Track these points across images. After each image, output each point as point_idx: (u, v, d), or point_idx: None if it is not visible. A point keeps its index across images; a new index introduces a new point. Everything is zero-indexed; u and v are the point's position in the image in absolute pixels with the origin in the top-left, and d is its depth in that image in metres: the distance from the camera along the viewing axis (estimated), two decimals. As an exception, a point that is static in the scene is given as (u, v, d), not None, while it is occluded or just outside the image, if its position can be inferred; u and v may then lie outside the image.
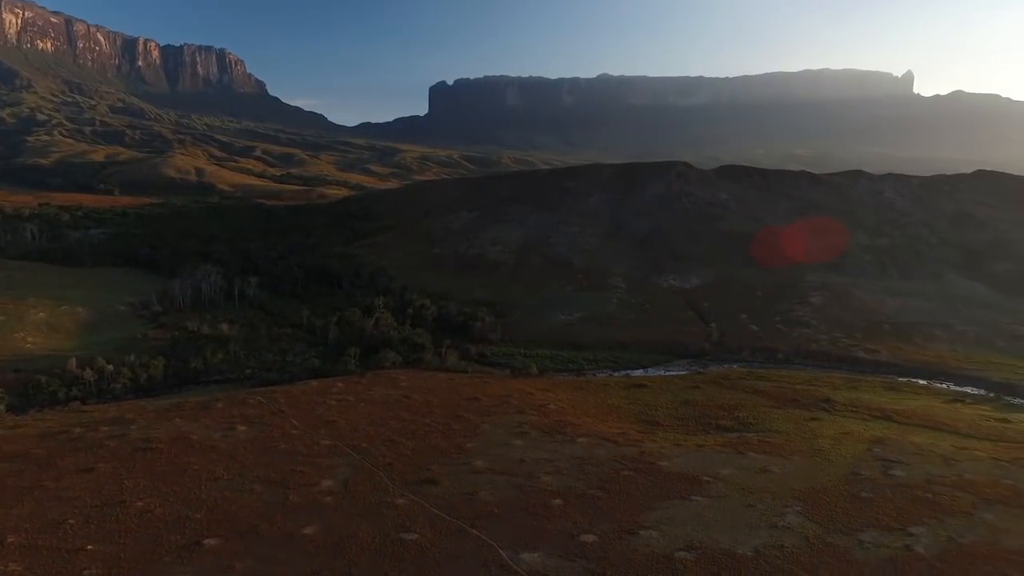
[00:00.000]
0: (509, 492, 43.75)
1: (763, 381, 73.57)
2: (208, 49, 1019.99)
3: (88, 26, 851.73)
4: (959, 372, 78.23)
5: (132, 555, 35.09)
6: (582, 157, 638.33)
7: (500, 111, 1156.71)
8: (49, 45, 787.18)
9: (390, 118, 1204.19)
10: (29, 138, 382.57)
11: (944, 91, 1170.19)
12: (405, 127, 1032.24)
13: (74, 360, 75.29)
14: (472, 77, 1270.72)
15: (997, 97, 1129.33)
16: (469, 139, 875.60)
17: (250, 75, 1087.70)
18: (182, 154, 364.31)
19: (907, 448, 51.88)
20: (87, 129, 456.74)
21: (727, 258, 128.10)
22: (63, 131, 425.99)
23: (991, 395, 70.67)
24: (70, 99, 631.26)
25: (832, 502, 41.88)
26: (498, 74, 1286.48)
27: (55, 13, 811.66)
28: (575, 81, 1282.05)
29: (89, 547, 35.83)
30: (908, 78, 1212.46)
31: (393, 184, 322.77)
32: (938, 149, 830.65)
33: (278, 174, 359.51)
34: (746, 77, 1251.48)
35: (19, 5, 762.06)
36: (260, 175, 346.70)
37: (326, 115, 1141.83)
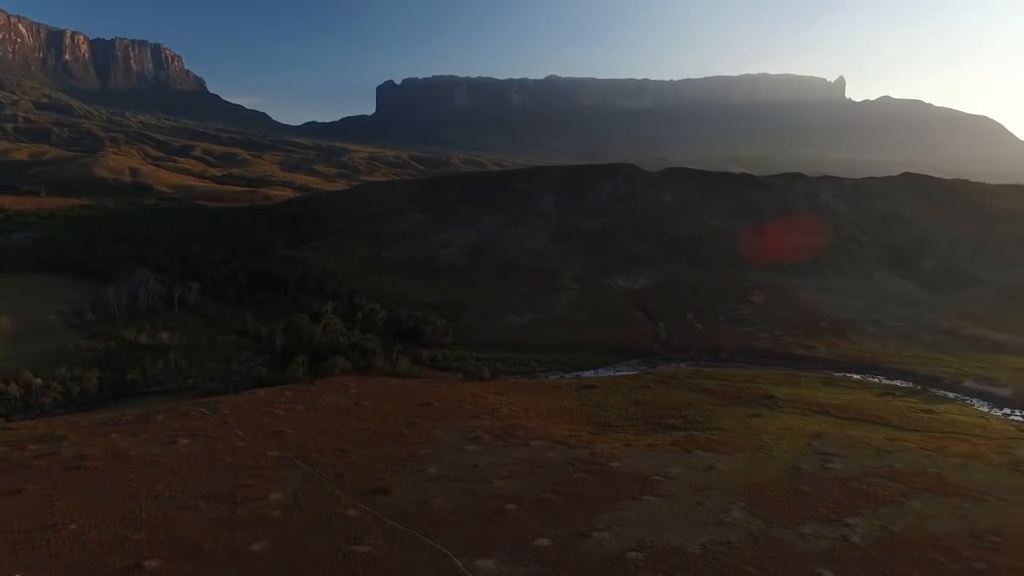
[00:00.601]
0: (463, 499, 43.68)
1: (709, 380, 75.71)
2: (142, 43, 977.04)
3: (8, 16, 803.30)
4: (889, 366, 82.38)
5: (66, 582, 33.41)
6: (531, 158, 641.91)
7: (449, 111, 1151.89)
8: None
9: (336, 117, 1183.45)
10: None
11: (873, 96, 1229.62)
12: (352, 127, 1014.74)
13: (-2, 374, 71.03)
14: (421, 77, 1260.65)
15: (920, 102, 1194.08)
16: (418, 139, 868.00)
17: (188, 71, 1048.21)
18: (115, 153, 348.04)
19: (843, 441, 54.36)
20: (8, 126, 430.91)
21: (673, 259, 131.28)
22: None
23: (918, 388, 74.69)
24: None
25: (775, 497, 43.51)
26: (447, 74, 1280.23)
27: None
28: (524, 82, 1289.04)
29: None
30: (840, 84, 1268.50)
31: (340, 185, 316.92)
32: (867, 151, 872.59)
33: (219, 175, 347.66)
34: (689, 80, 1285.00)
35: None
36: (200, 176, 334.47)
37: (269, 114, 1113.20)
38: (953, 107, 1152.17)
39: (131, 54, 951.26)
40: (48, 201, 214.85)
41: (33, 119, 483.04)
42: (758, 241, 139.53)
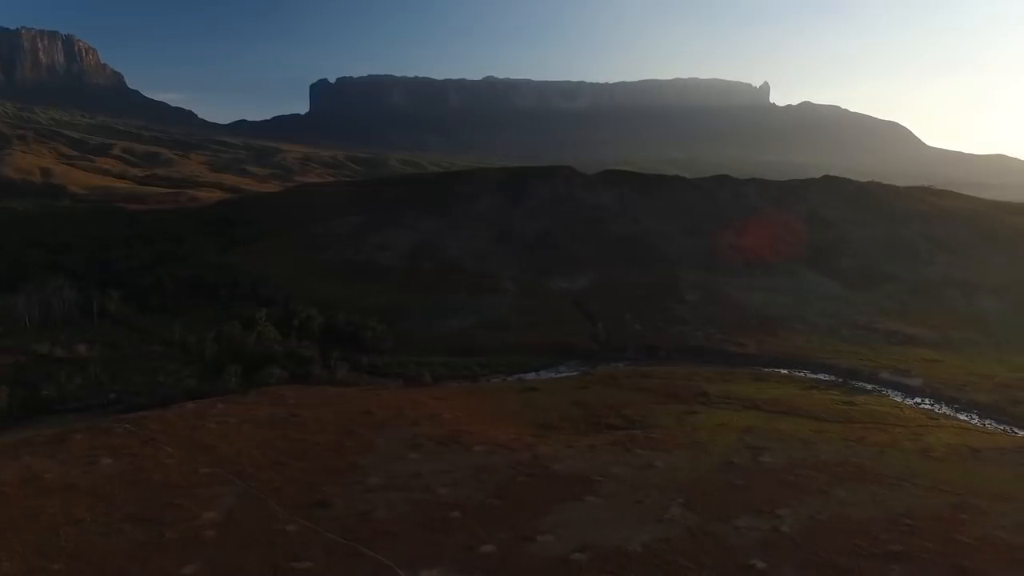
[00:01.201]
0: (406, 508, 43.15)
1: (647, 378, 77.73)
2: (52, 34, 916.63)
3: None
4: (813, 361, 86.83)
5: (-25, 620, 31.00)
6: (470, 158, 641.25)
7: (386, 111, 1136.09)
8: None
9: (268, 116, 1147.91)
10: None
11: (795, 101, 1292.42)
12: (285, 126, 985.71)
13: None
14: (356, 76, 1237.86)
15: (838, 108, 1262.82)
16: (354, 139, 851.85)
17: (105, 65, 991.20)
18: (23, 152, 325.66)
19: (773, 435, 56.90)
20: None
21: (611, 260, 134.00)
22: None
23: (840, 380, 79.07)
24: None
25: (710, 492, 45.06)
26: (383, 73, 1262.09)
27: None
28: (461, 82, 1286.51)
29: (-81, 617, 31.23)
30: (765, 89, 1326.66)
31: (273, 186, 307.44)
32: (790, 153, 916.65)
33: (142, 175, 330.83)
34: (624, 83, 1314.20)
35: None
36: (120, 176, 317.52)
37: (195, 111, 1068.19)
38: (867, 113, 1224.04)
39: (40, 45, 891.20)
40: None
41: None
42: (691, 241, 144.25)
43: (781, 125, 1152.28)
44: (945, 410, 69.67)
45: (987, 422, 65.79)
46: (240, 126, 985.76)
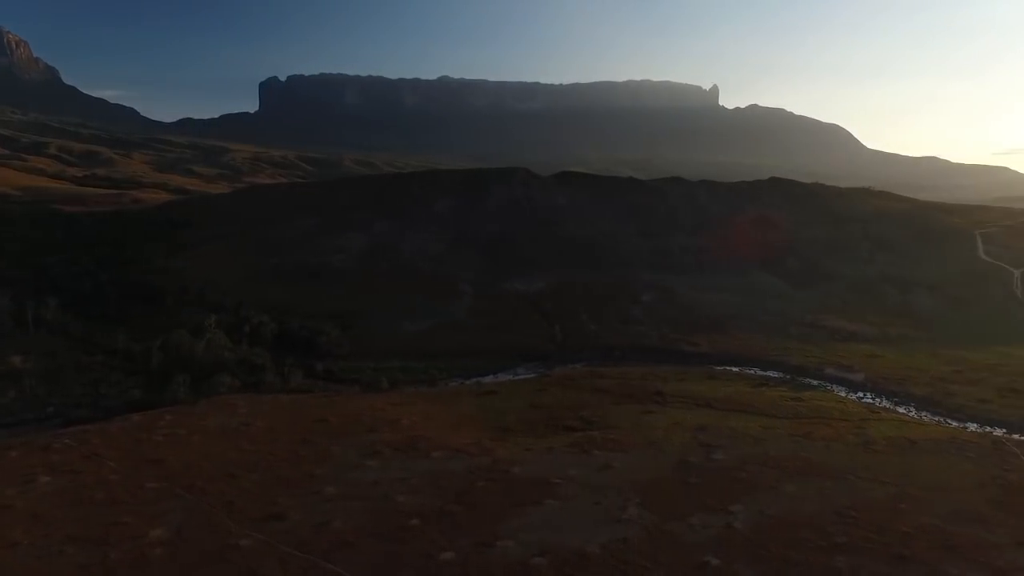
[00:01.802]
0: (364, 517, 42.59)
1: (603, 379, 78.67)
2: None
3: None
4: (763, 358, 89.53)
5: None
6: (425, 159, 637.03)
7: (339, 110, 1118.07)
8: None
9: (216, 114, 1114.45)
10: None
11: (743, 104, 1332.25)
12: (233, 125, 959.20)
13: None
14: (308, 74, 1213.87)
15: (783, 111, 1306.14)
16: (306, 139, 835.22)
17: (37, 59, 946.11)
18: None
19: (725, 432, 58.43)
20: None
21: (567, 262, 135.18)
22: None
23: (788, 377, 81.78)
24: None
25: (666, 490, 45.99)
26: (335, 72, 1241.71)
27: None
28: (416, 82, 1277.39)
29: None
30: (714, 92, 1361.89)
31: (222, 187, 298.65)
32: (737, 155, 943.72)
33: (80, 175, 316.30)
34: (578, 85, 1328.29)
35: None
36: (57, 176, 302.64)
37: (138, 108, 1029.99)
38: (812, 116, 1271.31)
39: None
40: None
41: None
42: (645, 242, 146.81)
43: (730, 127, 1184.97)
44: (885, 403, 72.87)
45: (923, 414, 69.12)
46: (186, 124, 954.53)
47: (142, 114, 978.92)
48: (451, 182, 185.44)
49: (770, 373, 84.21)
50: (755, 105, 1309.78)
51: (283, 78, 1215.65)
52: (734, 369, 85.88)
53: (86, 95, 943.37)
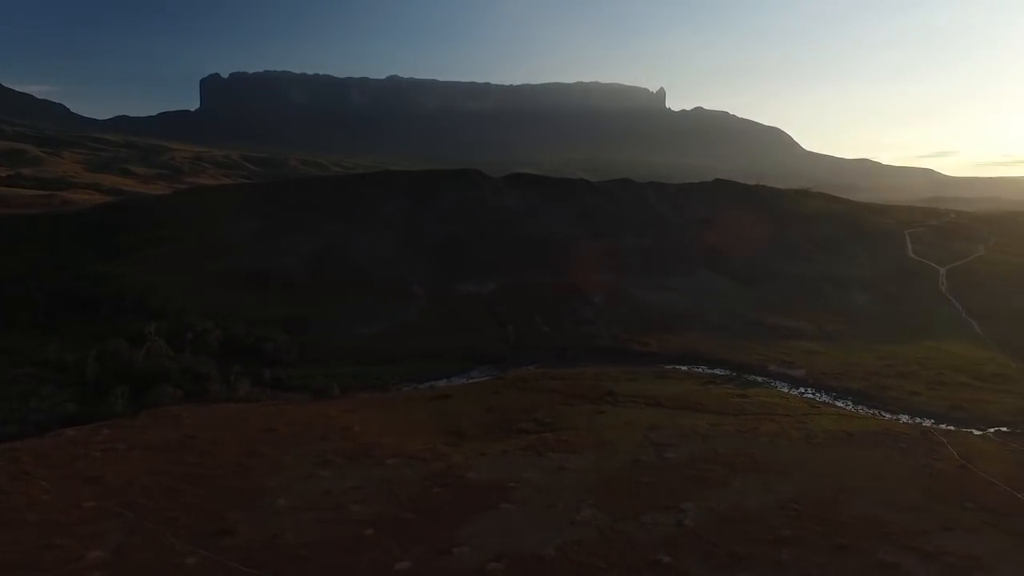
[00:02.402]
0: (316, 529, 41.81)
1: (556, 380, 79.41)
2: None
3: None
4: (710, 356, 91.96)
5: None
6: (375, 159, 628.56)
7: (284, 109, 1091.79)
8: None
9: (153, 111, 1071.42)
10: None
11: (689, 107, 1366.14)
12: (172, 122, 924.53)
13: None
14: (251, 71, 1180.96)
15: (727, 114, 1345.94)
16: (250, 138, 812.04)
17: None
18: None
19: (675, 431, 59.87)
20: None
21: (520, 263, 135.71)
22: None
23: (734, 375, 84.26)
24: None
25: (619, 490, 46.83)
26: (280, 69, 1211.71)
27: None
28: (364, 81, 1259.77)
29: None
30: (661, 94, 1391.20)
31: (161, 188, 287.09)
32: (684, 156, 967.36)
33: (4, 175, 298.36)
34: (528, 85, 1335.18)
35: None
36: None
37: (68, 105, 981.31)
38: (753, 119, 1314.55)
39: None
40: None
41: None
42: (596, 243, 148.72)
43: (676, 129, 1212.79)
44: (825, 398, 75.97)
45: (860, 407, 72.39)
46: (121, 122, 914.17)
47: (72, 111, 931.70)
48: (402, 183, 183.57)
49: (717, 371, 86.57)
50: (700, 108, 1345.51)
51: (225, 75, 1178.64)
52: (683, 368, 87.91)
53: (10, 90, 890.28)
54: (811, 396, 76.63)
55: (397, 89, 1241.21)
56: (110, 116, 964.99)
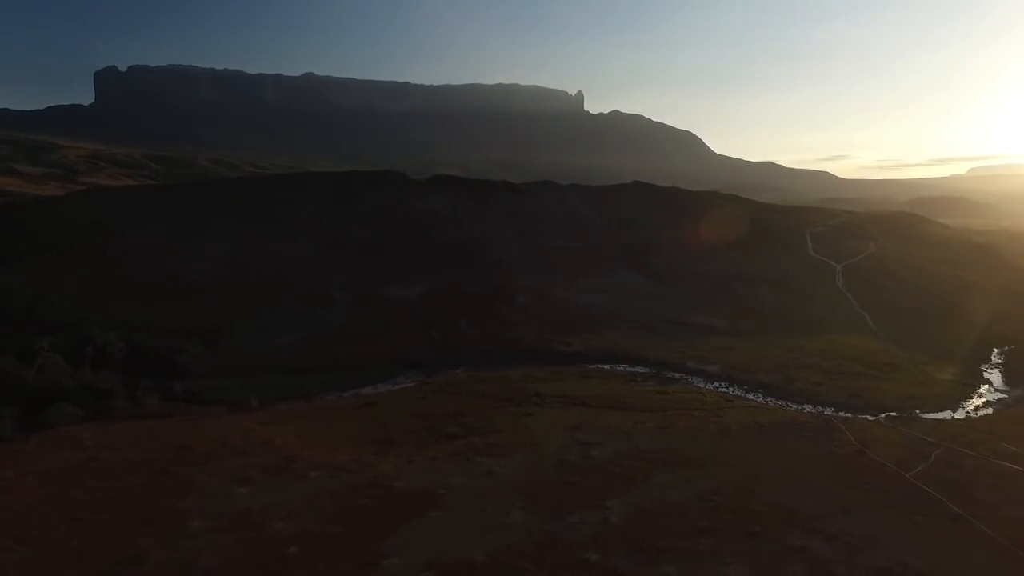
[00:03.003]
0: (236, 550, 40.02)
1: (484, 383, 79.60)
2: None
3: None
4: (632, 355, 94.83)
5: None
6: (291, 159, 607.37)
7: (192, 105, 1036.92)
8: None
9: (41, 106, 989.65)
10: None
11: (606, 110, 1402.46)
12: (63, 118, 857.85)
13: None
14: (153, 65, 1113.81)
15: (642, 117, 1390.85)
16: (154, 135, 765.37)
17: None
18: None
19: (600, 429, 61.43)
20: None
21: (445, 266, 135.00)
22: None
23: (654, 372, 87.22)
24: None
25: (547, 492, 47.58)
26: (186, 63, 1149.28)
27: None
28: (278, 78, 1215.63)
29: None
30: (579, 97, 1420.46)
31: (53, 189, 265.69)
32: (601, 159, 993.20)
33: None
34: (449, 86, 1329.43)
35: None
36: None
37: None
38: (667, 122, 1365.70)
39: None
40: None
41: None
42: (520, 245, 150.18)
43: (594, 131, 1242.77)
44: (738, 391, 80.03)
45: (769, 399, 76.82)
46: (4, 116, 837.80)
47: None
48: (321, 185, 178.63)
49: (638, 369, 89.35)
50: (617, 111, 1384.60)
51: (123, 68, 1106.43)
52: (606, 367, 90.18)
53: None
54: (725, 390, 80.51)
55: (313, 87, 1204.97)
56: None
